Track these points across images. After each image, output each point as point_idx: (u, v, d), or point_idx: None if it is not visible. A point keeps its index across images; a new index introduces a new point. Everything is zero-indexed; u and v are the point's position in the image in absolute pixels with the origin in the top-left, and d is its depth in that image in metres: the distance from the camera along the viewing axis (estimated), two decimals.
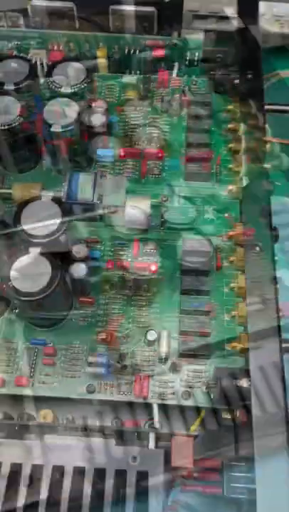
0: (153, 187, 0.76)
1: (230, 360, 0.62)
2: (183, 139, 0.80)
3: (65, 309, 0.64)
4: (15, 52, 0.87)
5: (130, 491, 0.45)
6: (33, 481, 0.45)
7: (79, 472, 0.45)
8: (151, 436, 0.52)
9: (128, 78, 0.85)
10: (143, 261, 0.69)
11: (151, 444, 0.52)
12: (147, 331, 0.62)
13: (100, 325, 0.65)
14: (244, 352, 0.60)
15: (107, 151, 0.77)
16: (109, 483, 0.45)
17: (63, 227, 0.60)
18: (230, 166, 0.76)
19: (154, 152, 0.78)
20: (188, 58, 0.88)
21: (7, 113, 0.68)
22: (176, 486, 0.60)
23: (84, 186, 0.69)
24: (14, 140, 0.69)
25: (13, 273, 0.56)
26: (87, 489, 0.45)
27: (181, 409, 0.62)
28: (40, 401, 0.62)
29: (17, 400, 0.61)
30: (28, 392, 0.60)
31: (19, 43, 0.87)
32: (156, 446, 0.53)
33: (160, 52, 0.86)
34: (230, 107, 0.82)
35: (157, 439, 0.54)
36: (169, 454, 0.54)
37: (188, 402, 0.60)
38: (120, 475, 0.45)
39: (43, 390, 0.60)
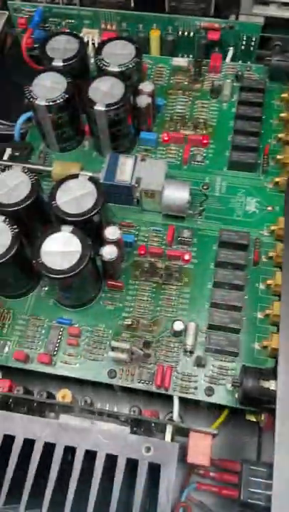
0: (194, 174, 0.73)
1: (259, 360, 0.59)
2: (231, 126, 0.77)
3: (93, 291, 0.63)
4: (67, 31, 0.87)
5: (140, 481, 0.43)
6: (44, 458, 0.44)
7: (90, 456, 0.44)
8: (168, 429, 0.51)
9: (179, 61, 0.82)
10: (177, 249, 0.67)
11: (168, 437, 0.50)
12: (174, 321, 0.60)
13: (126, 310, 0.63)
14: (274, 352, 0.56)
15: (150, 134, 0.76)
16: (120, 470, 0.43)
17: (97, 207, 0.59)
18: (279, 156, 0.72)
19: (198, 138, 0.75)
20: (244, 43, 0.84)
21: (53, 89, 0.67)
22: (192, 483, 0.59)
23: (123, 168, 0.67)
24: (58, 117, 0.68)
25: (43, 249, 0.56)
26: (97, 474, 0.43)
27: (203, 405, 0.60)
28: (60, 380, 0.62)
29: (38, 376, 0.61)
30: (49, 370, 0.60)
31: (73, 21, 0.87)
32: (173, 440, 0.51)
33: (215, 36, 0.82)
34: (284, 95, 0.77)
35: (175, 432, 0.52)
36: (185, 449, 0.52)
37: (211, 399, 0.58)
38: (131, 464, 0.44)
39: (64, 369, 0.60)
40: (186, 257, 0.66)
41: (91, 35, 0.86)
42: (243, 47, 0.85)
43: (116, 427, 0.47)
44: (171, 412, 0.63)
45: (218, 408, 0.60)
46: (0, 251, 0.56)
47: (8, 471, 0.44)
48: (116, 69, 0.69)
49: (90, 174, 0.69)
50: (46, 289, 0.65)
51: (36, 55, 0.90)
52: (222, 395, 0.58)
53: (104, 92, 0.67)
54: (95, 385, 0.62)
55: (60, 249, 0.56)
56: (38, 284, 0.65)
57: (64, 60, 0.70)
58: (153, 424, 0.51)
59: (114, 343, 0.59)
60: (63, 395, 0.56)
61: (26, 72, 0.86)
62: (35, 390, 0.61)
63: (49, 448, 0.46)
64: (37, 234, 0.65)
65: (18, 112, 0.82)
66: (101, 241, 0.61)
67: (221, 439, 0.62)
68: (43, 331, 0.62)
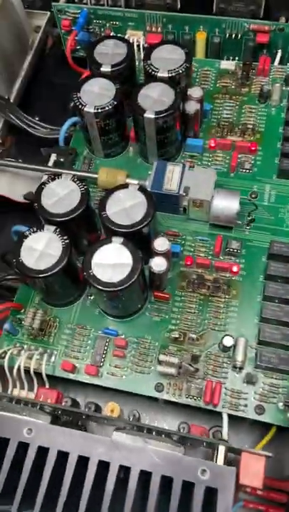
0: (242, 182, 0.72)
1: None
2: (280, 132, 0.74)
3: (140, 302, 0.62)
4: (112, 33, 0.86)
5: (197, 504, 0.42)
6: (97, 476, 0.44)
7: (145, 477, 0.43)
8: (221, 450, 0.49)
9: (226, 64, 0.80)
10: (225, 260, 0.66)
11: (220, 458, 0.49)
12: (224, 337, 0.58)
13: (173, 322, 0.62)
14: None
15: (196, 140, 0.74)
16: (176, 493, 0.42)
17: (148, 218, 0.58)
18: None
19: (246, 145, 0.73)
20: None
21: (101, 96, 0.66)
22: (239, 501, 0.57)
23: (170, 176, 0.66)
24: (106, 124, 0.67)
25: (94, 261, 0.55)
26: (153, 496, 0.43)
27: (253, 424, 0.59)
28: (102, 390, 0.61)
29: (81, 384, 0.61)
30: (96, 381, 0.60)
31: (117, 23, 0.85)
32: (225, 459, 0.50)
33: (264, 38, 0.80)
34: None
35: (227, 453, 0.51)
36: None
37: (262, 418, 0.56)
38: (187, 487, 0.43)
39: (111, 381, 0.60)
40: (235, 268, 0.64)
41: (136, 37, 0.84)
42: None
43: (170, 447, 0.46)
44: (217, 426, 0.62)
45: (262, 424, 0.59)
46: (50, 262, 0.56)
47: (62, 488, 0.43)
48: (165, 74, 0.68)
49: (137, 182, 0.68)
50: (92, 298, 0.65)
51: (79, 56, 0.90)
52: (273, 414, 0.56)
53: (154, 98, 0.65)
54: (138, 396, 0.62)
55: (110, 261, 0.55)
56: (84, 293, 0.65)
57: (112, 66, 0.69)
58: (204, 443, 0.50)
59: (162, 357, 0.58)
60: (112, 408, 0.55)
61: (67, 74, 0.86)
62: (80, 400, 0.61)
63: (100, 465, 0.45)
64: (83, 242, 0.65)
65: (60, 114, 0.83)
66: (149, 251, 0.60)
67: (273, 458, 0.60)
68: (89, 341, 0.62)
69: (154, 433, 0.49)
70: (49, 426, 0.47)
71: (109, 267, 0.55)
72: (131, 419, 0.55)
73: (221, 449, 0.49)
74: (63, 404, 0.56)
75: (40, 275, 0.55)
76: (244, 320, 0.62)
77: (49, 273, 0.55)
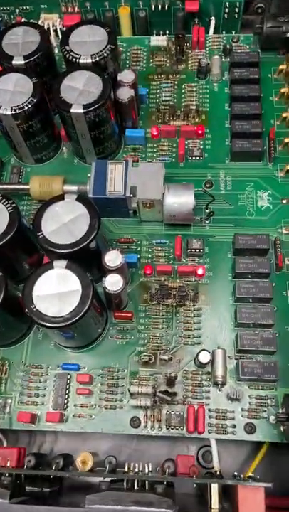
0: (194, 171, 0.64)
1: None
2: (227, 110, 0.67)
3: (99, 327, 0.54)
4: (24, 20, 0.75)
5: None
6: None
7: None
8: (215, 490, 0.43)
9: (157, 40, 0.71)
10: (188, 263, 0.58)
11: (215, 500, 0.42)
12: (199, 352, 0.51)
13: (140, 343, 0.55)
14: None
15: (136, 131, 0.65)
16: None
17: (93, 232, 0.49)
18: (287, 140, 0.63)
19: (192, 129, 0.65)
20: (227, 11, 0.73)
21: (18, 93, 0.56)
22: None
23: (113, 177, 0.58)
24: (28, 125, 0.58)
25: (35, 294, 0.46)
26: None
27: (244, 445, 0.53)
28: (78, 434, 0.53)
29: (49, 435, 0.53)
30: (62, 427, 0.52)
31: (28, 7, 0.75)
32: (220, 498, 0.43)
33: (194, 6, 0.71)
34: (282, 66, 0.68)
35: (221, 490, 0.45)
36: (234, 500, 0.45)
37: (254, 437, 0.50)
38: None
39: (77, 425, 0.52)
40: (200, 271, 0.57)
41: (51, 22, 0.74)
42: (226, 15, 0.74)
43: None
44: (204, 446, 0.56)
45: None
46: None
47: None
48: (88, 60, 0.58)
49: (76, 188, 0.60)
50: (43, 331, 0.56)
51: None
52: (265, 431, 0.50)
53: (79, 90, 0.56)
54: (115, 437, 0.54)
55: (55, 290, 0.46)
56: (33, 326, 0.56)
57: (25, 57, 0.59)
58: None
59: (133, 388, 0.50)
60: (83, 459, 0.47)
61: None
62: (48, 447, 0.53)
63: None
64: (22, 266, 0.56)
65: None
66: (100, 267, 0.52)
67: (268, 474, 0.54)
68: (48, 382, 0.54)
69: (135, 487, 0.41)
70: (6, 505, 0.39)
71: (55, 298, 0.46)
72: (107, 468, 0.47)
73: (214, 489, 0.43)
74: (26, 464, 0.48)
75: None
76: (219, 328, 0.55)
77: None
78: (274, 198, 0.61)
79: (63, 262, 0.47)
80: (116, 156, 0.65)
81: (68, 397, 0.52)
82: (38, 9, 0.75)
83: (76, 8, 0.74)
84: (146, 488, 0.45)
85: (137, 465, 0.48)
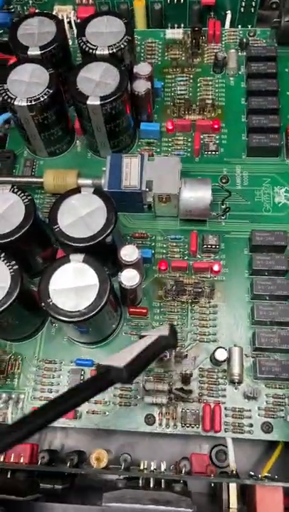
0: (209, 166, 0.63)
1: None
2: (243, 105, 0.66)
3: (114, 322, 0.53)
4: (37, 10, 0.74)
5: None
6: None
7: None
8: (233, 491, 0.42)
9: (172, 33, 0.70)
10: (203, 259, 0.58)
11: (233, 499, 0.42)
12: (216, 349, 0.50)
13: None
14: None
15: (152, 124, 0.64)
16: None
17: (110, 226, 0.49)
18: None
19: (208, 123, 0.64)
20: (243, 5, 0.72)
21: (33, 84, 0.55)
22: None
23: (128, 171, 0.57)
24: (44, 117, 0.57)
25: (52, 287, 0.45)
26: None
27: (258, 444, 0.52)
28: (90, 430, 0.53)
29: (60, 431, 0.52)
30: (75, 424, 0.51)
31: None
32: (238, 499, 0.43)
33: None
34: None
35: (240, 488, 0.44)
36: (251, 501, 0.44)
37: (271, 436, 0.49)
38: None
39: (91, 421, 0.51)
40: (216, 267, 0.56)
41: (65, 13, 0.73)
42: (242, 9, 0.73)
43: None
44: (219, 445, 0.55)
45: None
46: None
47: None
48: (105, 51, 0.58)
49: (91, 182, 0.59)
50: (57, 325, 0.55)
51: (3, 42, 0.78)
52: (282, 430, 0.49)
53: (96, 81, 0.55)
54: (130, 434, 0.54)
55: (72, 284, 0.46)
56: (46, 320, 0.55)
57: (41, 47, 0.58)
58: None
59: (149, 385, 0.50)
60: (98, 457, 0.47)
61: None
62: (59, 444, 0.52)
63: None
64: (36, 260, 0.55)
65: None
66: (116, 262, 0.51)
67: (283, 473, 0.54)
68: (61, 377, 0.53)
69: (151, 484, 0.40)
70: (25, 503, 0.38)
71: (72, 292, 0.45)
72: (122, 466, 0.46)
73: (233, 488, 0.42)
74: (40, 460, 0.47)
75: None
76: (235, 325, 0.54)
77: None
78: None
79: (80, 256, 0.47)
80: (130, 149, 0.64)
81: None
82: (51, 0, 0.74)
83: (90, 0, 0.73)
84: (163, 486, 0.44)
85: (151, 463, 0.47)
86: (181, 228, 0.60)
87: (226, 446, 0.50)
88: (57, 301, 0.45)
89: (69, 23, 0.73)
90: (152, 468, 0.46)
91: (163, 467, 0.46)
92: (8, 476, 0.45)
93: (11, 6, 0.76)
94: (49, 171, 0.60)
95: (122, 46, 0.58)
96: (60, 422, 0.51)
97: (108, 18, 0.60)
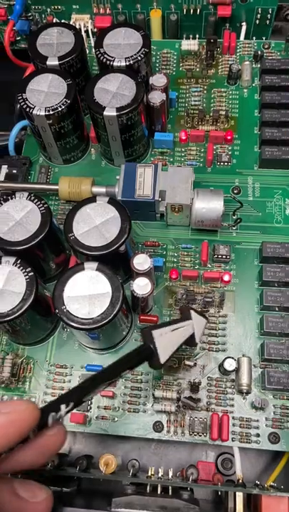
0: (221, 177, 0.64)
1: None
2: (256, 116, 0.67)
3: (125, 329, 0.54)
4: (55, 20, 0.75)
5: None
6: None
7: None
8: (240, 500, 0.43)
9: (188, 44, 0.71)
10: (214, 269, 0.58)
11: (240, 507, 0.42)
12: (225, 360, 0.51)
13: None
14: None
15: (165, 134, 0.65)
16: None
17: (124, 235, 0.50)
18: None
19: (221, 134, 0.65)
20: (258, 17, 0.73)
21: (52, 94, 0.57)
22: None
23: (142, 180, 0.58)
24: (61, 126, 0.58)
25: (66, 295, 0.46)
26: None
27: (264, 453, 0.53)
28: (93, 437, 0.54)
29: (71, 436, 0.53)
30: (84, 429, 0.52)
31: (59, 7, 0.75)
32: (247, 505, 0.43)
33: (226, 11, 0.71)
34: None
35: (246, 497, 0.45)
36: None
37: (278, 447, 0.50)
38: None
39: (101, 427, 0.52)
40: (226, 277, 0.57)
41: (83, 22, 0.75)
42: (257, 21, 0.74)
43: None
44: (225, 453, 0.56)
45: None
46: (14, 301, 0.47)
47: None
48: (123, 63, 0.59)
49: (105, 190, 0.60)
50: (68, 331, 0.56)
51: (21, 49, 0.80)
52: None
53: (112, 92, 0.56)
54: (138, 440, 0.55)
55: (86, 292, 0.47)
56: (58, 325, 0.57)
57: (60, 58, 0.59)
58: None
59: (158, 393, 0.50)
60: (106, 462, 0.48)
61: (9, 69, 0.75)
62: (68, 447, 0.53)
63: None
64: (50, 265, 0.57)
65: (6, 116, 0.72)
66: (128, 269, 0.52)
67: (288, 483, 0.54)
68: (71, 382, 0.54)
69: (159, 491, 0.41)
70: None
71: (86, 300, 0.46)
72: (130, 472, 0.47)
73: (239, 498, 0.42)
74: (50, 464, 0.48)
75: (4, 319, 0.46)
76: (244, 335, 0.55)
77: (14, 315, 0.46)
78: None
79: (94, 264, 0.48)
80: (144, 159, 0.65)
81: (92, 398, 0.52)
82: (69, 9, 0.75)
83: (108, 10, 0.74)
84: (170, 493, 0.45)
85: (159, 470, 0.48)
86: (192, 237, 0.60)
87: (232, 455, 0.51)
88: (71, 308, 0.46)
89: (86, 31, 0.74)
90: (160, 475, 0.47)
91: (170, 474, 0.47)
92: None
93: (29, 14, 0.77)
94: (64, 179, 0.61)
95: (139, 58, 0.59)
96: (71, 427, 0.52)
97: (126, 30, 0.61)
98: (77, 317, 0.46)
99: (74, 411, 0.51)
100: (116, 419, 0.52)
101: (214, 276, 0.57)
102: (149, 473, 0.47)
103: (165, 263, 0.59)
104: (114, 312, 0.46)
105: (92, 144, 0.67)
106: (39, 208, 0.51)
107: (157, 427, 0.51)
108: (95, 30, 0.74)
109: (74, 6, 0.75)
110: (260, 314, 0.55)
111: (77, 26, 0.74)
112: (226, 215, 0.60)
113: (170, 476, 0.46)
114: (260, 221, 0.61)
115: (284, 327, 0.53)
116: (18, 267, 0.48)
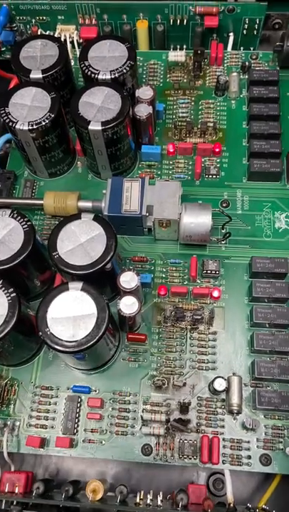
0: (210, 190, 0.63)
1: None
2: (244, 128, 0.66)
3: (112, 349, 0.52)
4: (40, 31, 0.74)
5: None
6: None
7: None
8: None
9: (175, 55, 0.70)
10: (203, 284, 0.57)
11: None
12: (215, 379, 0.50)
13: (153, 366, 0.53)
14: None
15: (153, 147, 0.64)
16: None
17: (110, 252, 0.48)
18: None
19: (209, 147, 0.64)
20: (246, 27, 0.72)
21: (35, 108, 0.55)
22: None
23: (129, 195, 0.57)
24: (45, 140, 0.57)
25: (50, 316, 0.45)
26: None
27: (255, 474, 0.51)
28: (82, 460, 0.52)
29: (55, 458, 0.52)
30: (71, 453, 0.50)
31: (44, 17, 0.74)
32: None
33: (213, 21, 0.71)
34: None
35: None
36: None
37: (270, 469, 0.48)
38: None
39: (88, 451, 0.50)
40: (216, 293, 0.56)
41: (68, 33, 0.74)
42: (245, 31, 0.73)
43: None
44: (216, 473, 0.55)
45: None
46: None
47: None
48: (108, 76, 0.58)
49: (91, 205, 0.58)
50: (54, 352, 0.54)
51: (5, 59, 0.78)
52: (281, 463, 0.49)
53: (97, 106, 0.55)
54: (126, 464, 0.53)
55: (70, 313, 0.45)
56: (43, 345, 0.55)
57: (44, 71, 0.58)
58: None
59: (146, 416, 0.49)
60: (93, 488, 0.46)
61: None
62: (53, 473, 0.52)
63: None
64: (34, 283, 0.55)
65: None
66: (114, 287, 0.51)
67: (280, 505, 0.53)
68: (57, 404, 0.52)
69: None
70: None
71: (70, 321, 0.45)
72: (118, 498, 0.46)
73: None
74: (34, 491, 0.46)
75: None
76: (234, 353, 0.54)
77: None
78: None
79: (79, 284, 0.46)
80: (131, 172, 0.64)
81: (78, 421, 0.51)
82: (54, 20, 0.74)
83: (93, 21, 0.73)
84: None
85: (148, 495, 0.46)
86: (181, 252, 0.59)
87: (224, 474, 0.50)
88: (54, 330, 0.44)
89: (72, 42, 0.73)
90: (148, 501, 0.45)
91: (159, 499, 0.45)
92: (3, 507, 0.44)
93: (14, 25, 0.76)
94: (49, 193, 0.60)
95: (125, 71, 0.58)
96: (56, 451, 0.50)
97: (111, 42, 0.60)
98: (61, 340, 0.44)
99: (59, 435, 0.50)
100: (103, 442, 0.50)
101: (203, 292, 0.56)
102: (138, 499, 0.45)
103: (153, 279, 0.58)
104: (100, 334, 0.44)
105: (79, 156, 0.65)
106: (22, 226, 0.50)
107: (146, 450, 0.49)
108: (81, 41, 0.73)
109: (59, 17, 0.74)
110: (251, 331, 0.54)
111: (63, 37, 0.73)
112: (214, 229, 0.59)
113: (160, 501, 0.45)
114: (249, 235, 0.60)
115: (274, 345, 0.51)
116: (0, 288, 0.47)
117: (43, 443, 0.50)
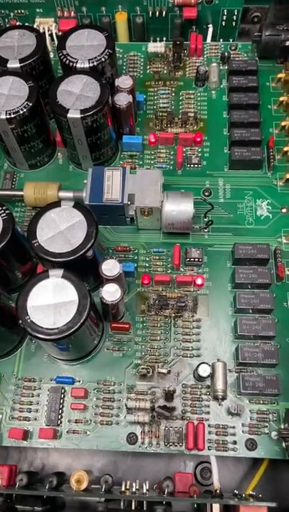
0: (192, 179, 0.63)
1: None
2: (225, 118, 0.66)
3: (95, 338, 0.52)
4: (18, 23, 0.74)
5: None
6: None
7: None
8: (216, 510, 0.41)
9: (154, 46, 0.70)
10: (186, 273, 0.57)
11: None
12: (199, 365, 0.50)
13: (138, 355, 0.53)
14: None
15: (134, 137, 0.64)
16: None
17: (90, 240, 0.48)
18: (286, 148, 0.62)
19: (190, 136, 0.64)
20: (224, 19, 0.73)
21: (13, 97, 0.55)
22: None
23: (110, 184, 0.56)
24: (23, 130, 0.56)
25: (30, 304, 0.44)
26: None
27: (242, 460, 0.51)
28: (68, 452, 0.51)
29: (40, 451, 0.51)
30: (55, 444, 0.49)
31: (22, 11, 0.73)
32: None
33: (192, 13, 0.71)
34: (280, 75, 0.67)
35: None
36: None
37: (255, 454, 0.48)
38: None
39: (72, 442, 0.49)
40: (199, 281, 0.55)
41: (47, 26, 0.73)
42: (223, 23, 0.74)
43: None
44: (203, 462, 0.54)
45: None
46: None
47: None
48: (86, 64, 0.57)
49: (72, 195, 0.58)
50: (36, 342, 0.54)
51: None
52: (267, 447, 0.48)
53: (76, 94, 0.55)
54: (111, 454, 0.52)
55: (51, 301, 0.44)
56: (25, 337, 0.54)
57: (21, 60, 0.57)
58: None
59: (131, 403, 0.48)
60: (78, 478, 0.45)
61: None
62: (38, 466, 0.51)
63: None
64: (15, 274, 0.54)
65: None
66: (97, 276, 0.50)
67: (268, 491, 0.53)
68: (40, 396, 0.51)
69: (133, 506, 0.39)
70: None
71: (51, 309, 0.44)
72: (103, 487, 0.45)
73: (216, 509, 0.41)
74: (18, 483, 0.45)
75: None
76: (218, 340, 0.53)
77: None
78: (273, 207, 0.60)
79: (59, 271, 0.46)
80: (112, 162, 0.64)
81: (62, 412, 0.50)
82: (33, 13, 0.74)
83: (72, 13, 0.73)
84: (145, 508, 0.43)
85: (134, 484, 0.46)
86: (163, 241, 0.59)
87: (210, 463, 0.49)
88: (35, 318, 0.44)
89: (50, 35, 0.73)
90: (134, 489, 0.44)
91: (145, 487, 0.45)
92: None
93: None
94: (29, 184, 0.59)
95: (103, 59, 0.58)
96: (39, 443, 0.49)
97: (89, 32, 0.60)
98: (42, 327, 0.43)
99: (43, 426, 0.49)
100: (88, 432, 0.50)
101: (187, 280, 0.56)
102: (123, 488, 0.45)
103: (137, 268, 0.57)
104: (82, 321, 0.44)
105: (59, 148, 0.65)
106: (1, 215, 0.49)
107: (131, 438, 0.49)
108: (60, 33, 0.72)
109: (38, 10, 0.73)
110: (234, 317, 0.54)
111: (42, 30, 0.72)
112: (197, 218, 0.59)
113: (145, 490, 0.44)
114: (231, 223, 0.60)
115: (258, 329, 0.51)
116: None
117: (26, 435, 0.49)
